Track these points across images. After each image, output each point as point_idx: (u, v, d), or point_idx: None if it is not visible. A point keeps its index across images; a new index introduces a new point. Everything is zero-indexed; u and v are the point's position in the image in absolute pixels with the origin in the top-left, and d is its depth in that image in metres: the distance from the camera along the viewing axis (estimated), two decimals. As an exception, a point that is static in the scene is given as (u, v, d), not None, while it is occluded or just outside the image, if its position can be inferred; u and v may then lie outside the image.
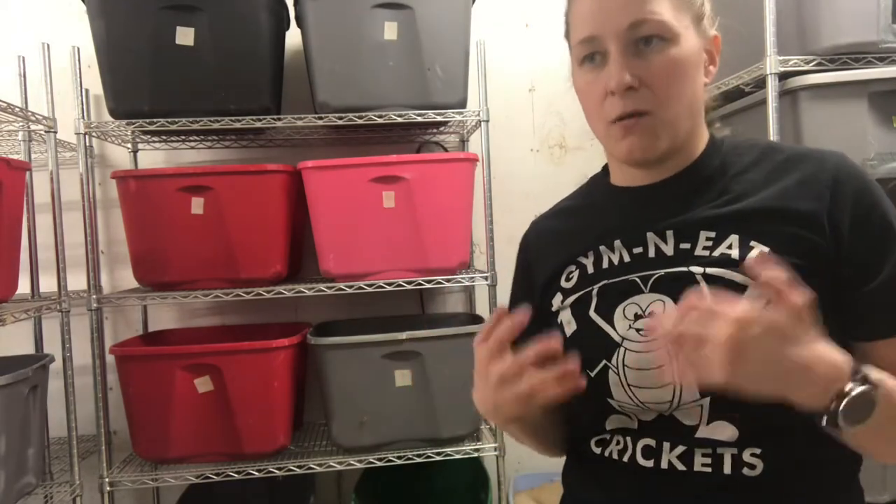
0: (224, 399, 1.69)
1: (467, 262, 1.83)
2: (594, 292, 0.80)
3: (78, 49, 1.72)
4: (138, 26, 1.68)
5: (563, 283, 0.85)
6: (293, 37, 1.90)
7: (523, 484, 2.06)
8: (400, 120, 1.76)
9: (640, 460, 0.76)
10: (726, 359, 0.57)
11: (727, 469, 0.71)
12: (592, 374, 0.77)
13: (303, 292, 1.74)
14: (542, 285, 0.89)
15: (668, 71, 0.74)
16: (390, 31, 1.74)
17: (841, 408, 0.59)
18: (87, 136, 1.75)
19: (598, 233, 0.85)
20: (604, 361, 0.76)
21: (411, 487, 2.03)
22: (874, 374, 0.62)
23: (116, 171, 1.78)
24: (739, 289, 0.71)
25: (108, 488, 1.71)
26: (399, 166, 1.73)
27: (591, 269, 0.83)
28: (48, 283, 1.94)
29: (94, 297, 1.74)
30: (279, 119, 1.76)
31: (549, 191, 2.14)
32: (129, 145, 2.03)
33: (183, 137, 2.00)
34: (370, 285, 1.73)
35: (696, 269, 0.74)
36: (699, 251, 0.75)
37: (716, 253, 0.74)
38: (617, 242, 0.82)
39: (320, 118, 1.75)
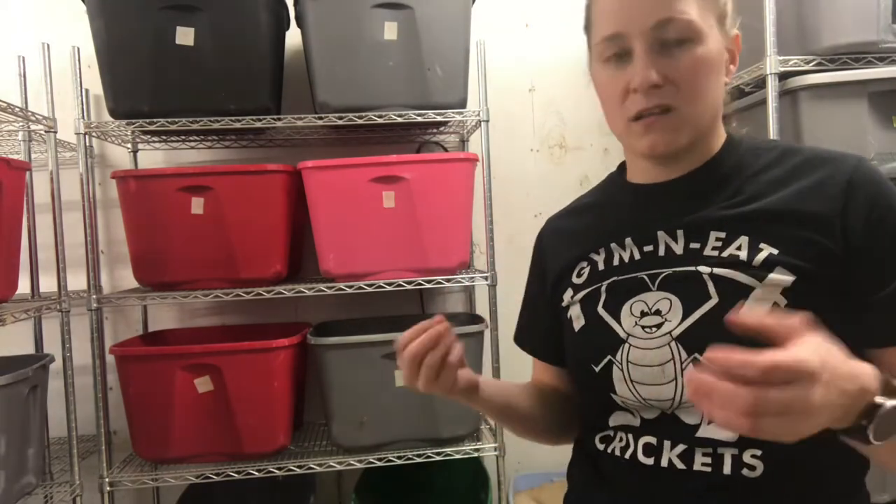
0: (224, 399, 1.69)
1: (467, 262, 1.83)
2: (603, 288, 0.81)
3: (78, 49, 1.72)
4: (138, 26, 1.68)
5: (575, 279, 0.86)
6: (293, 37, 1.90)
7: (523, 484, 2.06)
8: (400, 120, 1.76)
9: (641, 458, 0.76)
10: (748, 425, 0.51)
11: (727, 469, 0.71)
12: (597, 369, 0.78)
13: (303, 292, 1.74)
14: (554, 280, 0.90)
15: (692, 70, 0.74)
16: (390, 31, 1.74)
17: (873, 423, 0.55)
18: (87, 136, 1.75)
19: (611, 230, 0.85)
20: (608, 357, 0.77)
21: (411, 487, 2.03)
22: None
23: (116, 171, 1.78)
24: (745, 290, 0.71)
25: (108, 488, 1.71)
26: (399, 166, 1.73)
27: (601, 266, 0.83)
28: (48, 283, 1.94)
29: (94, 297, 1.74)
30: (279, 119, 1.76)
31: (549, 191, 2.17)
32: (129, 145, 2.03)
33: (183, 137, 2.00)
34: (370, 285, 1.73)
35: (704, 269, 0.74)
36: (708, 251, 0.75)
37: (724, 254, 0.74)
38: (628, 240, 0.82)
39: (320, 118, 1.75)
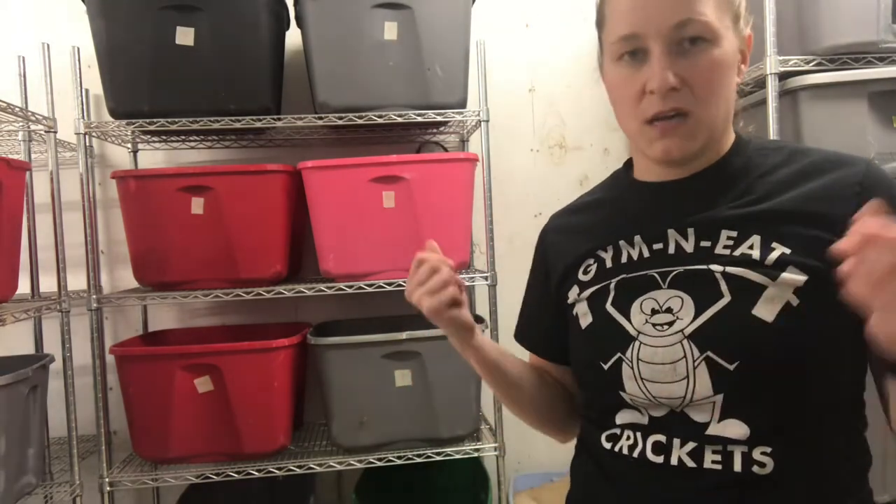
0: (224, 399, 1.69)
1: (467, 262, 1.83)
2: (612, 286, 0.81)
3: (78, 49, 1.72)
4: (138, 26, 1.68)
5: (581, 276, 0.85)
6: (293, 37, 1.90)
7: (523, 484, 2.06)
8: (400, 120, 1.76)
9: (651, 456, 0.75)
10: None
11: (737, 467, 0.70)
12: (606, 367, 0.78)
13: (303, 292, 1.74)
14: (559, 278, 0.89)
15: (710, 72, 0.74)
16: (390, 31, 1.74)
17: None
18: (87, 136, 1.75)
19: (619, 227, 0.85)
20: (618, 354, 0.77)
21: (411, 487, 2.03)
22: None
23: (116, 171, 1.78)
24: (758, 288, 0.71)
25: (108, 488, 1.71)
26: (399, 166, 1.73)
27: (609, 264, 0.83)
28: (48, 283, 1.94)
29: (94, 297, 1.74)
30: (279, 119, 1.76)
31: (549, 191, 2.17)
32: (129, 145, 2.03)
33: (183, 137, 2.00)
34: (370, 285, 1.73)
35: (716, 268, 0.74)
36: (720, 250, 0.75)
37: (736, 252, 0.74)
38: (637, 238, 0.82)
39: (320, 118, 1.75)
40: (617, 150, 2.16)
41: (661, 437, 0.75)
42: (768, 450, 0.70)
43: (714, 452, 0.71)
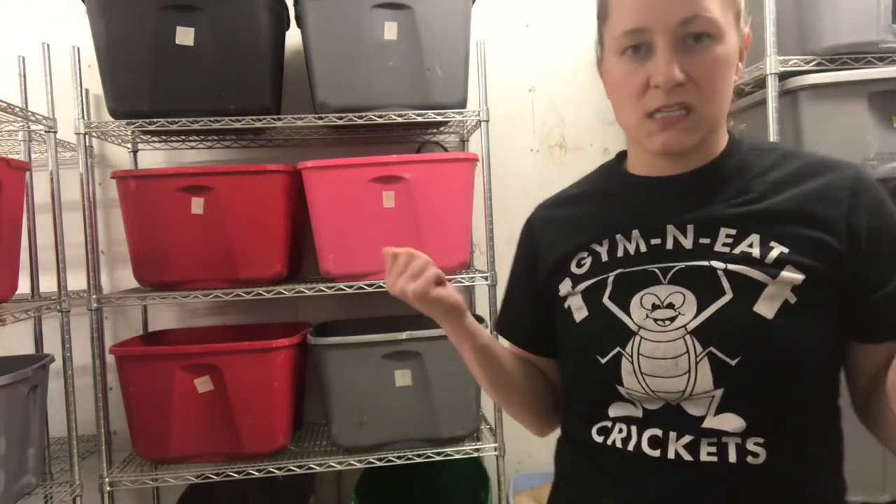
0: (224, 399, 1.69)
1: (467, 262, 1.83)
2: (610, 280, 0.81)
3: (78, 49, 1.72)
4: (138, 26, 1.68)
5: (574, 269, 0.85)
6: (293, 37, 1.90)
7: (523, 484, 2.06)
8: (400, 120, 1.76)
9: (647, 450, 0.76)
10: None
11: (732, 458, 0.72)
12: (604, 361, 0.78)
13: (303, 292, 1.74)
14: (550, 270, 0.89)
15: (713, 69, 0.75)
16: (390, 31, 1.74)
17: None
18: (87, 136, 1.75)
19: (614, 221, 0.85)
20: (617, 348, 0.77)
21: (411, 487, 2.03)
22: None
23: (116, 171, 1.78)
24: (758, 286, 0.73)
25: (108, 488, 1.71)
26: (399, 166, 1.73)
27: (605, 257, 0.83)
28: (48, 283, 1.94)
29: (94, 297, 1.74)
30: (279, 119, 1.76)
31: (549, 191, 2.14)
32: (129, 145, 2.03)
33: (183, 137, 2.00)
34: (370, 285, 1.73)
35: (718, 265, 0.75)
36: (719, 247, 0.76)
37: (736, 250, 0.75)
38: (635, 232, 0.82)
39: (320, 118, 1.75)
40: (617, 149, 2.13)
41: (658, 431, 0.75)
42: (761, 440, 0.72)
43: (709, 444, 0.73)
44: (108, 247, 2.07)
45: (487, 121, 1.80)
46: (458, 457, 1.78)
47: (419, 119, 1.77)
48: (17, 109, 1.61)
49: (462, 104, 1.80)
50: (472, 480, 1.98)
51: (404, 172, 1.73)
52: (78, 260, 1.81)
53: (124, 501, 2.07)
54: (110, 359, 1.76)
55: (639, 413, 0.77)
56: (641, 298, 0.77)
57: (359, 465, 1.74)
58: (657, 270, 0.78)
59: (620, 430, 0.79)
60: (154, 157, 2.08)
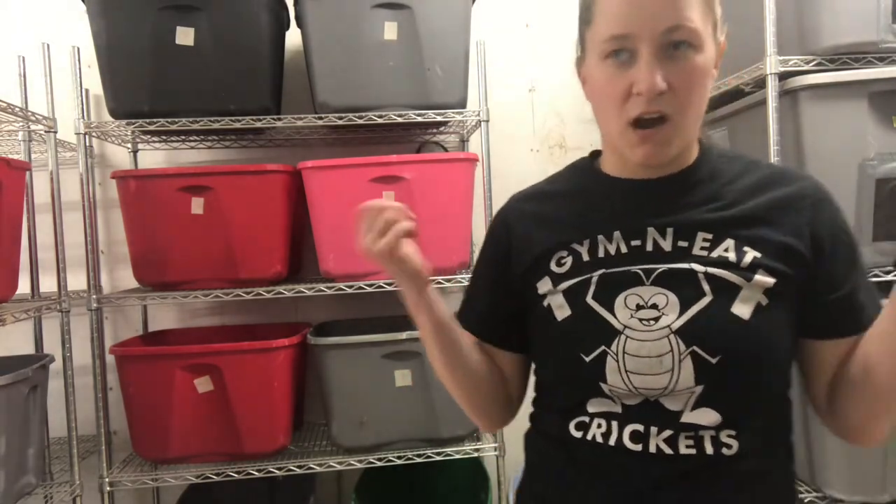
0: (224, 399, 1.69)
1: (467, 262, 1.83)
2: (594, 280, 0.82)
3: (78, 49, 1.73)
4: (138, 26, 1.68)
5: (554, 268, 0.86)
6: (293, 37, 1.90)
7: (523, 484, 2.06)
8: (400, 120, 1.76)
9: (629, 444, 0.79)
10: None
11: (709, 450, 0.77)
12: (588, 359, 0.80)
13: (303, 292, 1.74)
14: (526, 267, 0.89)
15: (693, 78, 0.77)
16: (390, 31, 1.74)
17: None
18: (87, 136, 1.75)
19: (594, 220, 0.86)
20: (602, 347, 0.79)
21: (411, 487, 2.03)
22: None
23: (116, 171, 1.78)
24: (735, 288, 0.77)
25: (108, 488, 1.71)
26: (399, 166, 1.73)
27: (586, 257, 0.84)
28: (48, 283, 1.94)
29: (94, 297, 1.74)
30: (279, 119, 1.76)
31: (549, 191, 2.16)
32: (129, 145, 2.03)
33: (183, 137, 2.00)
34: (370, 285, 1.73)
35: (699, 268, 0.78)
36: (697, 250, 0.80)
37: (713, 254, 0.79)
38: (616, 233, 0.84)
39: (320, 118, 1.75)
40: (617, 150, 2.16)
41: (639, 427, 0.78)
42: (733, 432, 0.77)
43: (687, 438, 0.77)
44: (108, 247, 2.07)
45: (487, 121, 1.80)
46: (458, 457, 1.78)
47: (419, 119, 1.77)
48: (17, 109, 1.61)
49: (462, 104, 1.80)
50: (472, 480, 1.98)
51: (404, 172, 1.73)
52: (78, 260, 1.81)
53: (124, 501, 2.07)
54: (110, 359, 1.77)
55: (618, 409, 0.80)
56: (626, 299, 0.80)
57: (359, 465, 1.74)
58: (640, 272, 0.80)
59: (599, 425, 0.81)
60: (154, 157, 2.08)
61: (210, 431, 1.71)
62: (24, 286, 1.76)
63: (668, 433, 0.77)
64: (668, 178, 0.85)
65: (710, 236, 0.80)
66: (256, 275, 1.74)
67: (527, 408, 0.98)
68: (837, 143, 1.43)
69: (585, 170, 0.94)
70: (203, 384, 1.69)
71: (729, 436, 0.77)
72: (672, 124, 0.77)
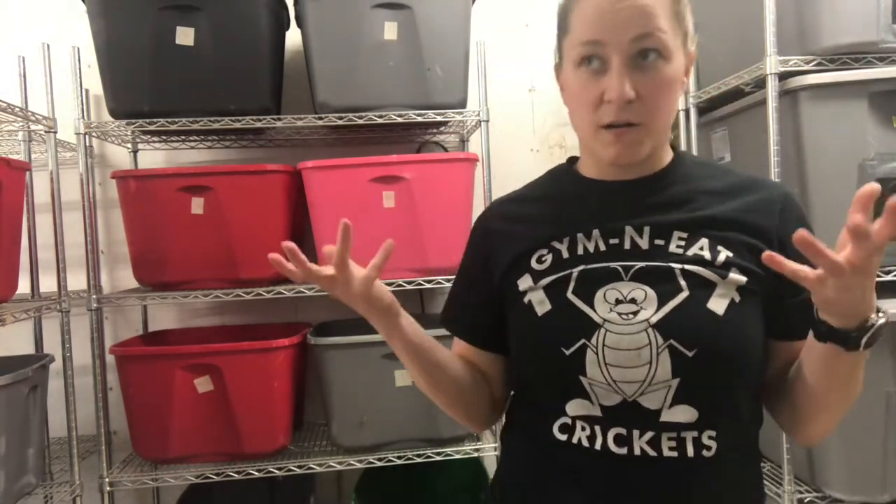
0: (224, 399, 1.69)
1: (467, 262, 1.83)
2: (574, 275, 0.85)
3: (78, 49, 1.73)
4: (138, 26, 1.69)
5: (535, 265, 0.88)
6: (293, 37, 1.90)
7: (523, 484, 2.06)
8: (400, 120, 1.76)
9: (613, 448, 0.80)
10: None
11: (690, 452, 0.79)
12: (568, 353, 0.81)
13: (303, 292, 1.74)
14: (506, 266, 0.91)
15: (661, 87, 0.81)
16: (390, 31, 1.74)
17: (869, 332, 0.69)
18: (87, 136, 1.75)
19: (573, 220, 0.89)
20: (582, 340, 0.81)
21: (411, 487, 2.03)
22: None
23: (116, 171, 1.78)
24: (710, 285, 0.80)
25: (108, 488, 1.71)
26: (399, 166, 1.73)
27: (566, 254, 0.87)
28: (48, 283, 1.94)
29: (94, 297, 1.74)
30: (279, 119, 1.76)
31: (549, 191, 2.16)
32: (129, 145, 2.03)
33: (183, 137, 2.00)
34: (370, 285, 1.73)
35: (676, 265, 0.82)
36: (673, 248, 0.83)
37: (689, 252, 0.83)
38: (595, 231, 0.87)
39: (320, 118, 1.75)
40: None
41: (622, 430, 0.80)
42: (713, 433, 0.79)
43: (669, 439, 0.79)
44: (108, 247, 2.07)
45: (487, 121, 1.80)
46: (458, 457, 1.78)
47: (419, 119, 1.77)
48: (17, 109, 1.61)
49: (462, 104, 1.81)
50: (472, 480, 1.98)
51: (404, 172, 1.73)
52: (78, 260, 1.81)
53: (124, 501, 2.07)
54: (110, 359, 1.77)
55: (597, 411, 0.81)
56: (605, 293, 0.82)
57: (359, 465, 1.74)
58: (619, 268, 0.83)
59: (584, 429, 0.82)
60: (154, 157, 2.08)
61: (210, 431, 1.71)
62: (24, 286, 1.76)
63: (650, 434, 0.79)
64: (644, 179, 0.89)
65: (685, 235, 0.84)
66: (256, 275, 1.74)
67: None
68: (837, 143, 1.43)
69: (563, 174, 0.99)
70: (203, 384, 1.69)
71: (710, 437, 0.79)
72: (643, 129, 0.82)
